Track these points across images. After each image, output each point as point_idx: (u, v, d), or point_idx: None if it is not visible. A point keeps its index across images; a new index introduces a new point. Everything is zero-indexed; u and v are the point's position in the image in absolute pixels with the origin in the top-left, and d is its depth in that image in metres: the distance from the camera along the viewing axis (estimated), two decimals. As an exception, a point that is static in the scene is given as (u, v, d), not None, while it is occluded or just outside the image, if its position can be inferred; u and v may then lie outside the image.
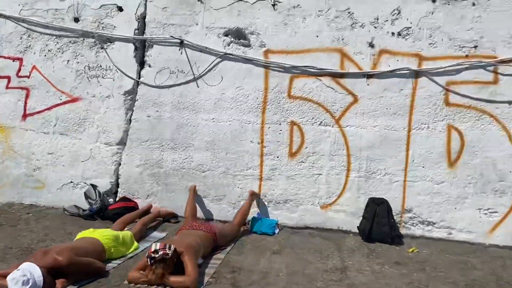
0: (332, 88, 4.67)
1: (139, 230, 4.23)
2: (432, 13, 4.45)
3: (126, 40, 5.08)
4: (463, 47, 4.38)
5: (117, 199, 5.06)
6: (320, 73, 4.68)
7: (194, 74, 4.93)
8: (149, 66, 5.06)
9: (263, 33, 4.81)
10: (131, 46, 5.08)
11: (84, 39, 5.20)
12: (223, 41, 4.90)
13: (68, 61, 5.20)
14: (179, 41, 4.94)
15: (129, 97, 5.08)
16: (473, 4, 4.35)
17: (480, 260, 3.92)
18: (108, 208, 4.84)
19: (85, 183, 5.13)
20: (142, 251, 3.88)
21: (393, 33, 4.54)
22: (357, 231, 4.47)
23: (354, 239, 4.38)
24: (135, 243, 4.00)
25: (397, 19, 4.53)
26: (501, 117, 4.30)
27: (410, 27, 4.49)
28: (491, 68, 4.32)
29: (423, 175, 4.45)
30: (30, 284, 2.85)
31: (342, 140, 4.65)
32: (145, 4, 5.06)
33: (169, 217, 4.80)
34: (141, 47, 5.13)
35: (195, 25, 4.95)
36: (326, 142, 4.68)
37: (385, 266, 3.75)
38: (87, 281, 3.22)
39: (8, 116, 5.36)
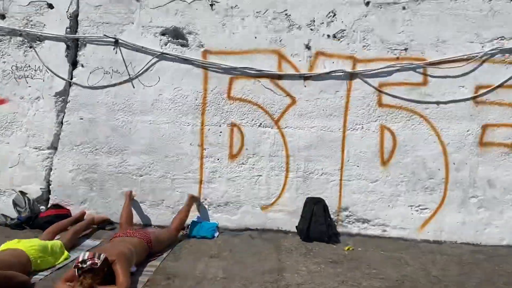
0: (271, 89, 4.68)
1: (70, 238, 4.03)
2: (366, 16, 4.57)
3: (57, 39, 4.83)
4: (394, 49, 4.53)
5: (49, 206, 4.78)
6: (259, 75, 4.67)
7: (129, 75, 4.77)
8: (82, 66, 4.84)
9: (202, 33, 4.74)
10: (62, 45, 4.84)
11: (11, 38, 4.89)
12: (160, 40, 4.78)
13: (-8, 60, 4.88)
14: (113, 40, 4.76)
15: (61, 99, 4.83)
16: (404, 8, 4.51)
17: (412, 256, 4.06)
18: (38, 216, 4.57)
19: (14, 190, 4.82)
20: (72, 261, 3.68)
21: (328, 36, 4.61)
22: (296, 231, 4.49)
23: (293, 239, 4.41)
24: (65, 253, 3.80)
25: (332, 21, 4.61)
26: (430, 117, 4.49)
27: (345, 30, 4.59)
28: (421, 70, 4.50)
29: (358, 174, 4.56)
30: None
31: (281, 141, 4.67)
32: (77, 2, 4.84)
33: (104, 224, 4.61)
34: (74, 46, 4.89)
35: (131, 24, 4.79)
36: (266, 144, 4.68)
37: (321, 265, 3.79)
38: (9, 295, 3.01)
39: None
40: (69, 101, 4.83)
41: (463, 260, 3.99)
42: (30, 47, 4.86)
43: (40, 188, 4.82)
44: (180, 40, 4.77)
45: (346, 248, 4.18)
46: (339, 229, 4.58)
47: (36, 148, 4.84)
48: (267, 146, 4.67)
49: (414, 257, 4.02)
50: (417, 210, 4.50)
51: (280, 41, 4.66)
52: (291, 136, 4.64)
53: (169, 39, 4.77)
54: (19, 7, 4.88)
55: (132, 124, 4.78)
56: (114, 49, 4.81)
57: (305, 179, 4.63)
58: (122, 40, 4.76)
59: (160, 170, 4.75)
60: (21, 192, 4.74)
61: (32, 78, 4.85)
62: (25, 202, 4.66)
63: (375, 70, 4.53)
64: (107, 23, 4.80)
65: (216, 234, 4.47)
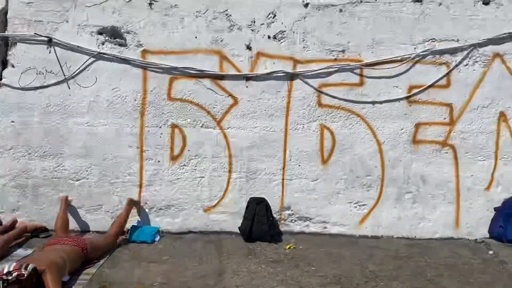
0: (212, 90, 4.64)
1: (0, 248, 3.81)
2: (305, 18, 4.63)
3: (-17, 37, 4.55)
4: (332, 51, 4.62)
5: (-23, 215, 4.50)
6: (200, 75, 4.62)
7: (65, 75, 4.58)
8: (13, 66, 4.59)
9: (140, 33, 4.62)
10: (-11, 45, 4.57)
11: None
12: (97, 39, 4.62)
13: None
14: (46, 39, 4.54)
15: (-12, 101, 4.56)
16: (340, 11, 4.61)
17: (350, 252, 4.17)
18: (-35, 227, 4.28)
19: None
20: None
21: (269, 36, 4.63)
22: (239, 231, 4.49)
23: (236, 240, 4.40)
24: (-8, 265, 3.57)
25: (272, 22, 4.64)
26: (367, 116, 4.62)
27: (285, 31, 4.63)
28: (358, 71, 4.62)
29: (299, 173, 4.63)
30: None
31: (223, 142, 4.64)
32: (6, -1, 4.58)
33: (38, 232, 4.39)
34: (3, 45, 4.62)
35: (65, 23, 4.59)
36: (208, 145, 4.64)
37: (262, 265, 3.82)
38: None
39: None
40: (-2, 103, 4.57)
41: (398, 254, 4.14)
42: (-46, 46, 4.55)
43: (-33, 196, 4.53)
44: (118, 40, 4.63)
45: (287, 247, 4.23)
46: (282, 228, 4.63)
47: (-38, 154, 4.54)
48: (209, 147, 4.64)
49: (352, 253, 4.13)
50: (355, 207, 4.63)
51: (221, 41, 4.63)
52: (234, 136, 4.63)
53: (107, 38, 4.62)
54: None
55: (67, 126, 4.59)
56: (47, 48, 4.59)
57: (248, 180, 4.63)
58: (56, 39, 4.55)
59: (98, 174, 4.60)
60: None
61: (-44, 79, 4.54)
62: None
63: (314, 71, 4.60)
64: (40, 21, 4.58)
65: (157, 238, 4.39)
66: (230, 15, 4.64)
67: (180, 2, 4.60)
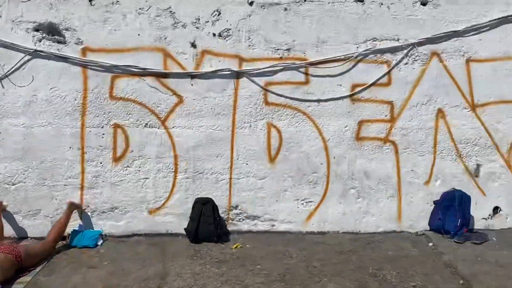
0: (156, 88, 4.54)
1: None
2: (250, 16, 4.61)
3: None
4: (278, 49, 4.63)
5: None
6: (143, 73, 4.51)
7: (-2, 74, 4.33)
8: None
9: (80, 30, 4.45)
10: None
11: None
12: (33, 36, 4.40)
13: None
14: (-25, 35, 4.28)
15: None
16: (285, 9, 4.63)
17: (296, 248, 4.20)
18: None
19: None
20: None
21: (214, 34, 4.58)
22: (185, 233, 4.42)
23: (182, 242, 4.33)
24: None
25: (217, 20, 4.59)
26: (312, 114, 4.67)
27: (230, 29, 4.59)
28: (303, 69, 4.66)
29: (247, 172, 4.62)
30: None
31: (168, 141, 4.55)
32: None
33: (-31, 240, 4.12)
34: None
35: (-2, 18, 4.34)
36: (153, 145, 4.54)
37: (207, 266, 3.77)
38: None
39: None
40: None
41: (342, 249, 4.22)
42: None
43: None
44: (56, 37, 4.43)
45: (234, 246, 4.21)
46: (230, 227, 4.60)
47: None
48: (154, 147, 4.53)
49: (298, 250, 4.17)
50: (302, 204, 4.68)
51: (165, 38, 4.54)
52: (179, 136, 4.55)
53: (44, 35, 4.41)
54: None
55: (1, 128, 4.35)
56: (-22, 45, 4.33)
57: (194, 180, 4.57)
58: (-13, 36, 4.30)
59: (35, 177, 4.39)
60: None
61: None
62: None
63: (260, 69, 4.60)
64: (-32, 16, 4.30)
65: (100, 242, 4.24)
66: (174, 12, 4.55)
67: (122, -2, 4.47)
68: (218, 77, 4.59)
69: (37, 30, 4.41)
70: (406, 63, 4.70)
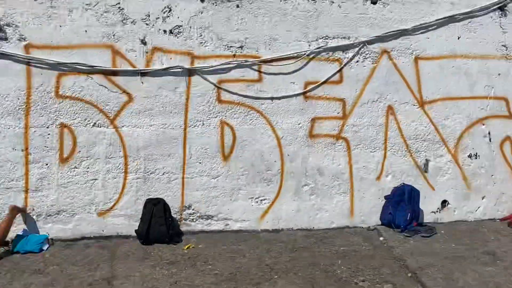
0: (105, 86, 4.40)
1: None
2: (202, 13, 4.54)
3: None
4: (230, 46, 4.59)
5: None
6: (91, 71, 4.36)
7: None
8: None
9: (23, 26, 4.24)
10: None
11: None
12: (-29, 32, 4.16)
13: None
14: None
15: None
16: (237, 6, 4.59)
17: (250, 247, 4.19)
18: None
19: None
20: None
21: (165, 31, 4.49)
22: (136, 234, 4.32)
23: (133, 244, 4.22)
24: None
25: (168, 17, 4.50)
26: (266, 112, 4.66)
27: (182, 26, 4.51)
28: (256, 67, 4.63)
29: (200, 171, 4.56)
30: None
31: (118, 141, 4.43)
32: None
33: None
34: None
35: None
36: (101, 145, 4.40)
37: (156, 268, 3.69)
38: None
39: None
40: None
41: (295, 246, 4.23)
42: None
43: None
44: (-4, 33, 4.22)
45: (186, 247, 4.14)
46: (183, 228, 4.53)
47: None
48: (102, 147, 4.40)
49: (251, 248, 4.15)
50: (257, 202, 4.66)
51: (114, 35, 4.41)
52: (129, 135, 4.44)
53: (-17, 31, 4.19)
54: None
55: None
56: None
57: (145, 180, 4.47)
58: None
59: (-26, 180, 4.17)
60: None
61: None
62: None
63: (213, 66, 4.55)
64: None
65: (45, 247, 4.07)
66: (123, 9, 4.42)
67: (68, -7, 4.31)
68: (170, 74, 4.51)
69: (-25, 25, 4.18)
70: (357, 61, 4.77)
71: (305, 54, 4.67)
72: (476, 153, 4.96)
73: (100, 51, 4.38)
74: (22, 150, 4.26)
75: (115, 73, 4.40)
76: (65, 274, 3.55)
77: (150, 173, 4.47)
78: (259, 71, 4.64)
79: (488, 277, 3.59)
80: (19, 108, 4.25)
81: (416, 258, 3.97)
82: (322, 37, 4.72)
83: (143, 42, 4.46)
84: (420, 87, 4.84)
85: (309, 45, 4.69)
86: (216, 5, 4.56)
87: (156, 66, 4.48)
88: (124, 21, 4.42)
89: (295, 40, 4.67)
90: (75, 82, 4.35)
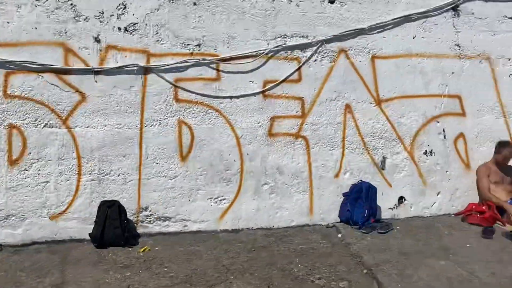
0: (56, 85, 4.25)
1: None
2: (158, 10, 4.46)
3: None
4: (188, 44, 4.52)
5: None
6: (42, 69, 4.20)
7: None
8: None
9: (-34, 22, 4.05)
10: None
11: None
12: None
13: None
14: None
15: None
16: (195, 4, 4.53)
17: (208, 248, 4.13)
18: None
19: None
20: None
21: (119, 28, 4.38)
22: (90, 238, 4.19)
23: (86, 248, 4.10)
24: None
25: (123, 14, 4.39)
26: (225, 111, 4.62)
27: (137, 23, 4.41)
28: (214, 65, 4.58)
29: (157, 172, 4.47)
30: None
31: (71, 142, 4.29)
32: None
33: None
34: None
35: None
36: (53, 146, 4.25)
37: (109, 272, 3.59)
38: None
39: None
40: None
41: (254, 245, 4.21)
42: None
43: None
44: None
45: (142, 249, 4.05)
46: (140, 230, 4.43)
47: None
48: (54, 148, 4.25)
49: (209, 249, 4.10)
50: (216, 202, 4.62)
51: (66, 33, 4.26)
52: (83, 136, 4.31)
53: None
54: None
55: None
56: None
57: (100, 182, 4.35)
58: None
59: None
60: None
61: None
62: None
63: (170, 65, 4.47)
64: None
65: (-8, 253, 3.91)
66: (75, 5, 4.29)
67: (16, -12, 4.13)
68: (125, 73, 4.40)
69: None
70: (315, 60, 4.79)
71: (263, 52, 4.65)
72: (432, 150, 5.08)
73: (51, 49, 4.24)
74: (-33, 153, 4.07)
75: (67, 71, 4.27)
76: (12, 282, 3.40)
77: (105, 175, 4.35)
78: (218, 70, 4.60)
79: (441, 272, 3.67)
80: (-37, 109, 4.05)
81: (372, 254, 4.02)
82: (281, 36, 4.71)
83: (97, 40, 4.34)
84: (377, 85, 4.91)
85: (268, 44, 4.68)
86: (172, 2, 4.49)
87: (110, 64, 4.36)
88: (76, 18, 4.29)
89: (253, 39, 4.65)
90: (24, 81, 4.19)
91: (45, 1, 4.22)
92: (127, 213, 4.32)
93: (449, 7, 5.06)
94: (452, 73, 5.09)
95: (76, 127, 4.29)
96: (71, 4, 4.28)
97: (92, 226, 4.22)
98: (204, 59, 4.55)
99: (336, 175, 4.85)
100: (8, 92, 4.16)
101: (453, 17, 5.09)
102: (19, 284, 3.37)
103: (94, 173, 4.33)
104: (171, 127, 4.50)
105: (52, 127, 4.25)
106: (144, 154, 4.44)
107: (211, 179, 4.59)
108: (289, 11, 4.72)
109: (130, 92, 4.41)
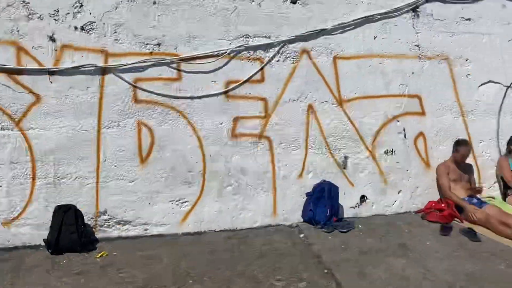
0: (8, 86, 4.10)
1: None
2: (116, 9, 4.36)
3: None
4: (147, 44, 4.43)
5: None
6: (-8, 69, 4.03)
7: None
8: None
9: None
10: None
11: None
12: None
13: None
14: None
15: None
16: (154, 3, 4.44)
17: (168, 252, 4.05)
18: None
19: None
20: None
21: (76, 27, 4.26)
22: (45, 244, 4.06)
23: (41, 254, 3.95)
24: None
25: (79, 12, 4.27)
26: (186, 112, 4.55)
27: (94, 22, 4.30)
28: (175, 65, 4.51)
29: (116, 175, 4.37)
30: None
31: (24, 145, 4.14)
32: None
33: None
34: None
35: None
36: (6, 149, 4.10)
37: (63, 279, 3.48)
38: None
39: None
40: None
41: (216, 248, 4.16)
42: None
43: None
44: None
45: (99, 255, 3.94)
46: (98, 235, 4.32)
47: None
48: (7, 151, 4.10)
49: (170, 253, 4.03)
50: (177, 205, 4.55)
51: (18, 31, 4.11)
52: (37, 138, 4.16)
53: None
54: None
55: None
56: None
57: (56, 186, 4.21)
58: None
59: None
60: None
61: None
62: None
63: (128, 65, 4.37)
64: None
65: None
66: (28, 3, 4.15)
67: (-38, -16, 3.94)
68: (81, 73, 4.28)
69: None
70: (278, 60, 4.78)
71: (225, 52, 4.60)
72: (392, 149, 5.15)
73: (2, 48, 4.08)
74: None
75: (20, 71, 4.11)
76: (-42, 292, 3.25)
77: (61, 178, 4.22)
78: (178, 70, 4.53)
79: (399, 269, 3.72)
80: None
81: (333, 253, 4.04)
82: (243, 36, 4.68)
83: (52, 39, 4.20)
84: (338, 86, 4.94)
85: (230, 44, 4.64)
86: (131, 0, 4.39)
87: (66, 64, 4.24)
88: (29, 16, 4.15)
89: (215, 38, 4.60)
90: (-27, 82, 4.01)
91: (-5, -2, 4.04)
92: (85, 217, 4.21)
93: (409, 8, 5.15)
94: (412, 73, 5.18)
95: (29, 129, 4.15)
96: (24, 1, 4.14)
97: (47, 232, 4.08)
98: (164, 59, 4.47)
99: (300, 175, 4.86)
100: (-44, 93, 3.97)
101: (413, 18, 5.17)
102: (-35, 295, 3.22)
103: (50, 177, 4.19)
104: (130, 129, 4.40)
105: (4, 130, 4.10)
106: (102, 157, 4.33)
107: (172, 182, 4.52)
108: (251, 11, 4.70)
109: (87, 93, 4.29)
